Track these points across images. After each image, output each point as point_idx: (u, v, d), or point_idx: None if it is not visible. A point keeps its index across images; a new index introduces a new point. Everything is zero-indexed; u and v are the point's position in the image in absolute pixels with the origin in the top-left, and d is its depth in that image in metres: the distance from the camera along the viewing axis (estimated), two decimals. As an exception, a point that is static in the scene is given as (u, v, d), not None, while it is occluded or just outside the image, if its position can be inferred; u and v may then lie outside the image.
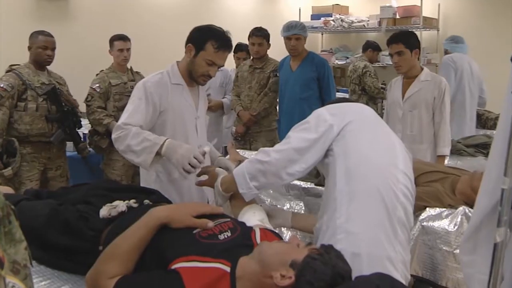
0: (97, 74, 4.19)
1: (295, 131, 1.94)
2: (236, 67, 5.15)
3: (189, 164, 2.18)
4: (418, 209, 2.55)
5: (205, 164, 2.31)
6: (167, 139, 2.28)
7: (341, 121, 1.86)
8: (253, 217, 1.88)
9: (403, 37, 3.49)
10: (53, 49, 3.70)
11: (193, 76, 2.48)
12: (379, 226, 1.69)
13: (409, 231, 1.79)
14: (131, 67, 4.30)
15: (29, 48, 3.65)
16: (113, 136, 2.35)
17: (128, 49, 4.20)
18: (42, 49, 3.63)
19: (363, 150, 1.82)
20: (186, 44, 2.47)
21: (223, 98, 5.07)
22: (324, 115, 1.90)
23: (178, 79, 2.50)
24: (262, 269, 1.40)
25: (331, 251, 1.41)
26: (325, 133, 1.85)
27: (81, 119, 3.99)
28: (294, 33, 4.17)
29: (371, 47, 6.08)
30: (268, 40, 4.51)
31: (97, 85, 4.07)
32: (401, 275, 1.67)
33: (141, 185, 2.62)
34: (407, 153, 1.96)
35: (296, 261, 1.37)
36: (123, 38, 4.20)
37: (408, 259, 1.77)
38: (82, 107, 4.12)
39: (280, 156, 1.87)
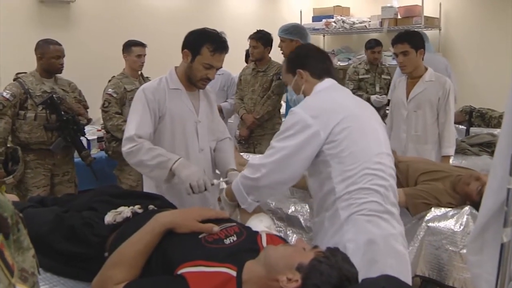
0: (109, 81, 4.19)
1: (278, 140, 1.94)
2: None
3: (198, 183, 2.23)
4: (419, 207, 2.55)
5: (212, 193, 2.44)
6: (180, 157, 2.34)
7: (326, 125, 1.88)
8: (260, 224, 1.89)
9: (408, 36, 3.47)
10: (63, 56, 3.73)
11: (192, 81, 2.48)
12: (377, 214, 1.85)
13: (398, 206, 1.97)
14: (141, 72, 4.31)
15: (40, 58, 3.66)
16: (125, 149, 2.39)
17: (145, 55, 4.23)
18: (55, 58, 3.66)
19: (355, 150, 1.88)
20: (182, 49, 2.47)
21: (224, 102, 5.05)
22: (305, 119, 1.89)
23: (176, 84, 2.50)
24: (268, 273, 1.40)
25: (337, 254, 1.40)
26: (311, 139, 1.87)
27: (86, 125, 3.99)
28: (278, 35, 4.19)
29: (365, 47, 5.70)
30: (265, 43, 4.47)
31: (113, 90, 4.06)
32: (403, 246, 1.91)
33: (144, 190, 2.62)
34: (385, 129, 2.10)
35: (302, 264, 1.36)
36: (142, 44, 4.22)
37: (403, 229, 1.96)
38: (92, 113, 4.12)
39: (269, 169, 1.90)
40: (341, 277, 1.34)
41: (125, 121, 3.91)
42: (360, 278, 1.68)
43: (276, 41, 4.40)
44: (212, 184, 2.30)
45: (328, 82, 2.08)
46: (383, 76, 5.62)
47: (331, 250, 1.42)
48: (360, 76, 5.57)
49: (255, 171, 1.93)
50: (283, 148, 1.89)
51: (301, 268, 1.36)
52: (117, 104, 4.05)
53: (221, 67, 2.49)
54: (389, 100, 5.34)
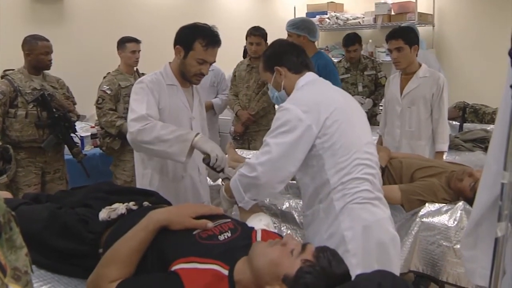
0: (104, 77, 4.19)
1: (273, 137, 1.94)
2: None
3: (221, 156, 2.20)
4: (414, 203, 2.57)
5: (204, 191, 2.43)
6: (199, 132, 2.30)
7: (318, 119, 1.90)
8: (259, 223, 1.88)
9: (402, 32, 3.48)
10: (52, 52, 3.70)
11: (186, 77, 2.46)
12: (369, 201, 1.92)
13: (381, 190, 2.04)
14: (137, 69, 4.31)
15: (28, 54, 3.61)
16: (136, 128, 2.25)
17: (139, 51, 4.24)
18: (44, 55, 3.63)
19: (346, 141, 1.92)
20: (174, 45, 2.44)
21: (215, 97, 5.03)
22: (297, 114, 1.91)
23: (172, 80, 2.49)
24: (256, 280, 1.39)
25: (325, 256, 1.37)
26: (305, 134, 1.90)
27: (77, 122, 3.97)
28: (286, 29, 4.17)
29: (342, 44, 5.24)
30: (266, 40, 4.48)
31: (107, 87, 4.08)
32: (392, 227, 2.00)
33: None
34: (365, 116, 2.16)
35: (288, 275, 1.34)
36: (135, 40, 4.23)
37: (389, 212, 2.04)
38: (80, 110, 4.11)
39: (266, 168, 1.90)
40: (328, 284, 1.32)
41: (119, 117, 3.96)
42: (360, 262, 1.83)
43: (270, 37, 4.38)
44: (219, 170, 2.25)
45: (310, 76, 2.12)
46: (365, 73, 5.15)
47: (318, 253, 1.38)
48: (340, 77, 5.04)
49: (252, 170, 1.93)
50: (278, 145, 1.90)
51: (287, 280, 1.34)
52: (111, 100, 4.07)
53: (215, 61, 2.47)
54: (375, 103, 5.14)
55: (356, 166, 1.92)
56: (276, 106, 4.66)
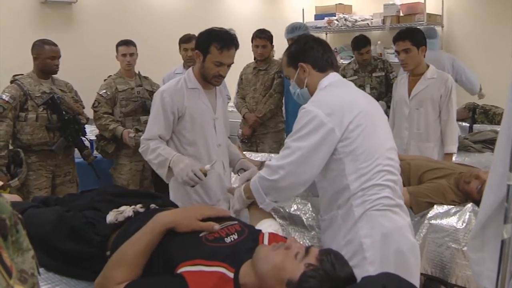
0: (105, 80, 4.22)
1: (294, 140, 1.91)
2: None
3: (188, 177, 2.32)
4: (422, 205, 2.55)
5: (206, 180, 2.44)
6: (175, 154, 2.44)
7: (341, 123, 1.86)
8: (268, 228, 1.86)
9: (409, 34, 3.46)
10: (59, 57, 3.73)
11: (207, 79, 2.57)
12: (389, 208, 1.87)
13: (402, 196, 1.99)
14: (139, 72, 4.31)
15: (35, 58, 3.66)
16: (139, 150, 2.62)
17: (132, 54, 4.18)
18: (51, 59, 3.66)
19: (369, 147, 1.88)
20: (194, 50, 2.58)
21: None
22: (319, 116, 1.87)
23: (194, 84, 2.61)
24: (260, 284, 1.40)
25: (328, 259, 1.37)
26: (327, 137, 1.86)
27: (86, 125, 4.01)
28: (298, 34, 4.14)
29: (351, 47, 5.08)
30: (271, 42, 4.50)
31: (104, 91, 4.11)
32: (412, 236, 1.95)
33: (169, 186, 2.71)
34: (387, 120, 2.12)
35: (292, 280, 1.35)
36: (126, 43, 4.20)
37: (410, 220, 1.99)
38: (89, 113, 4.15)
39: (286, 171, 1.88)
40: (333, 287, 1.32)
41: (113, 120, 4.02)
42: (378, 270, 1.74)
43: (276, 39, 4.40)
44: (205, 173, 2.35)
45: (334, 76, 2.06)
46: (374, 74, 4.88)
47: (321, 257, 1.38)
48: (348, 79, 4.75)
49: (273, 172, 1.91)
50: (299, 148, 1.87)
51: (290, 284, 1.35)
52: (107, 104, 4.10)
53: (232, 63, 2.56)
54: (388, 105, 5.10)
55: (378, 173, 1.87)
56: (284, 108, 4.71)
